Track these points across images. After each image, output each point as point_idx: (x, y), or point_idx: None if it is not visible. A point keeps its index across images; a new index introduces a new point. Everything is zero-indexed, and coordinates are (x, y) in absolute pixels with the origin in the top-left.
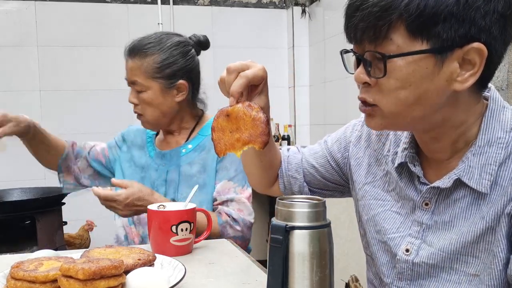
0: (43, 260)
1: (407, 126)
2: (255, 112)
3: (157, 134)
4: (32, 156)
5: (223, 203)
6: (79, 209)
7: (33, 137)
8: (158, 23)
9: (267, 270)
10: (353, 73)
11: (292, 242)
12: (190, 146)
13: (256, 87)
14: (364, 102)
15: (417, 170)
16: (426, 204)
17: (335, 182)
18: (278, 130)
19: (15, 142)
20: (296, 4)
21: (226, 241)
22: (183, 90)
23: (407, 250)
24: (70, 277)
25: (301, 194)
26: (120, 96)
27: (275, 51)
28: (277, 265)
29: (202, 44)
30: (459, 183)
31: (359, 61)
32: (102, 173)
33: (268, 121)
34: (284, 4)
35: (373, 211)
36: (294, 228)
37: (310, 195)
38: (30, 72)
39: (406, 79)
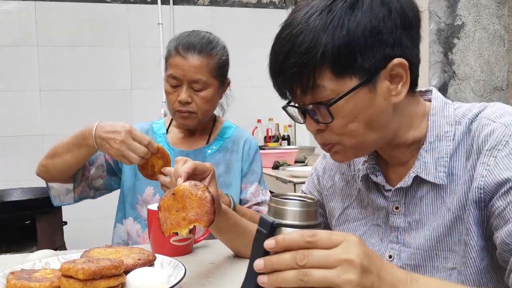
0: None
1: (370, 149)
2: (201, 192)
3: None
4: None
5: (257, 204)
6: (79, 209)
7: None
8: (158, 23)
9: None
10: (303, 123)
11: None
12: (214, 147)
13: (203, 180)
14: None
15: (379, 179)
16: (397, 208)
17: (324, 225)
18: (278, 130)
19: (15, 142)
20: (296, 4)
21: None
22: (226, 88)
23: (390, 257)
24: (70, 277)
25: None
26: (120, 96)
27: None
28: (258, 256)
29: None
30: (420, 181)
31: (303, 112)
32: (110, 182)
33: (213, 200)
34: (284, 4)
35: (358, 232)
36: (281, 225)
37: None
38: (30, 72)
39: (351, 114)
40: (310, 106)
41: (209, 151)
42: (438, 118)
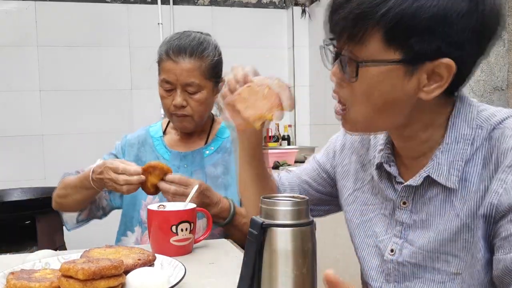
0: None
1: (377, 129)
2: (277, 80)
3: (163, 135)
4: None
5: None
6: None
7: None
8: (158, 23)
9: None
10: (329, 69)
11: (268, 239)
12: (212, 148)
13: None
14: (339, 103)
15: (392, 170)
16: (404, 203)
17: (328, 194)
18: (278, 130)
19: (15, 142)
20: (296, 4)
21: (226, 241)
22: (221, 88)
23: (391, 250)
24: (70, 277)
25: None
26: (120, 96)
27: (275, 51)
28: (250, 258)
29: (210, 36)
30: (431, 181)
31: (336, 57)
32: (113, 201)
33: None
34: (284, 4)
35: (365, 217)
36: (271, 225)
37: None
38: (30, 72)
39: (376, 86)
40: (346, 55)
41: (207, 152)
42: (459, 120)
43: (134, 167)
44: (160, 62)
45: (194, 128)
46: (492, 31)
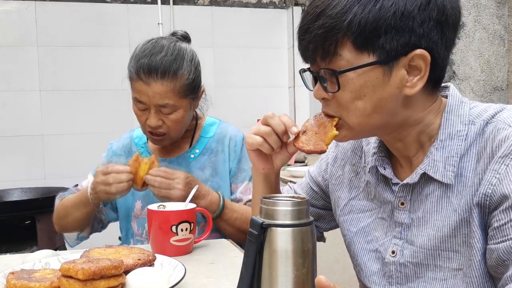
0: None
1: (370, 134)
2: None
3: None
4: (73, 219)
5: (247, 202)
6: None
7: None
8: (158, 23)
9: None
10: (312, 90)
11: (268, 239)
12: (197, 150)
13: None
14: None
15: (387, 172)
16: (402, 204)
17: (324, 208)
18: None
19: (15, 142)
20: (296, 4)
21: (226, 241)
22: (200, 98)
23: (393, 252)
24: (70, 277)
25: None
26: (120, 96)
27: (275, 51)
28: (250, 258)
29: (188, 38)
30: (427, 179)
31: (315, 78)
32: (110, 214)
33: None
34: (284, 4)
35: (363, 223)
36: (271, 225)
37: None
38: (30, 72)
39: (360, 90)
40: (322, 71)
41: (192, 155)
42: (452, 116)
43: (122, 166)
44: (130, 79)
45: (171, 143)
46: (453, 16)
